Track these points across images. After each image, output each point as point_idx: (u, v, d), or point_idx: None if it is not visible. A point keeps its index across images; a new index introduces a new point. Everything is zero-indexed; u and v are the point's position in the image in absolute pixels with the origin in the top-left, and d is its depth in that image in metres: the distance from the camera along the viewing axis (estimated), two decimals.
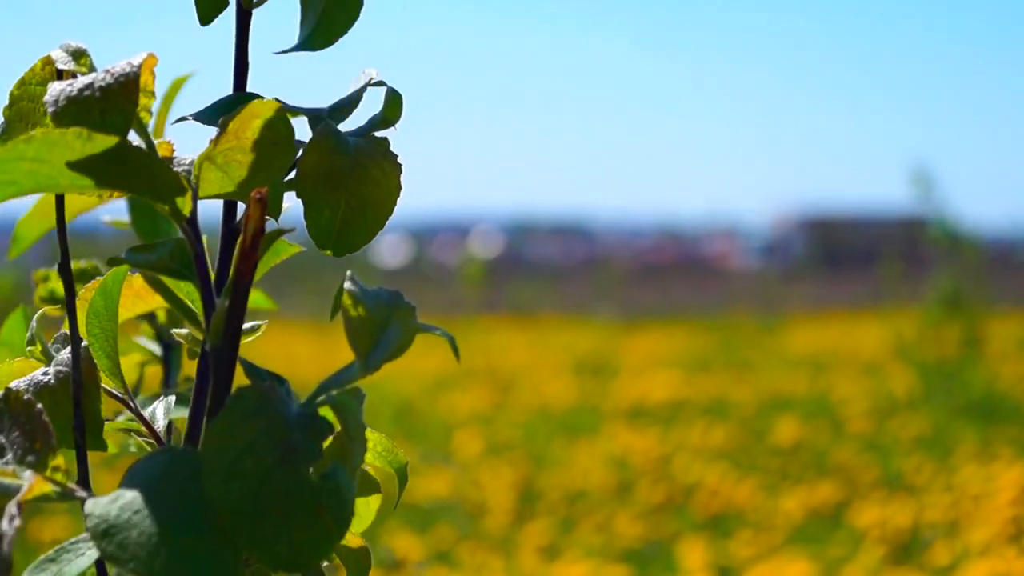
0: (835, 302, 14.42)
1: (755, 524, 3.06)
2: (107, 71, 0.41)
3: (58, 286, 0.69)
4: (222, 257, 0.46)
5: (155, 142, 0.42)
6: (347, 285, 0.45)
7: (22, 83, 0.42)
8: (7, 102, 0.43)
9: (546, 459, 4.07)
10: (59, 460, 0.48)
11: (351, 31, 0.51)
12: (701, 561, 2.61)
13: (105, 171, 0.39)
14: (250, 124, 0.40)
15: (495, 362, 7.10)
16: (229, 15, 0.50)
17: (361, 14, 0.51)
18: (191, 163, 0.42)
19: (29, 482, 0.47)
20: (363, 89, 0.46)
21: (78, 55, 0.41)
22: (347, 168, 0.42)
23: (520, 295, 13.49)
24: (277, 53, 0.50)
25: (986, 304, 5.94)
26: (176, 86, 0.69)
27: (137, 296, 0.50)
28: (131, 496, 0.45)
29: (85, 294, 0.50)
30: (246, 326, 0.48)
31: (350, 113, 0.46)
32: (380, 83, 0.48)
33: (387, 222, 0.44)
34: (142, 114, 0.42)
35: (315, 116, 0.44)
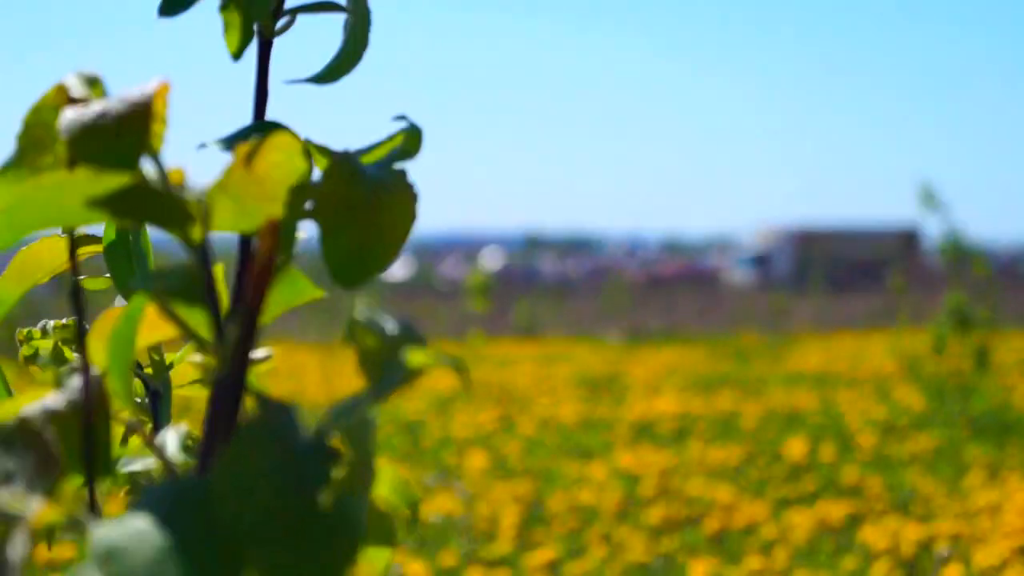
0: (838, 318, 14.38)
1: (764, 541, 3.04)
2: (120, 99, 0.41)
3: (43, 344, 0.69)
4: (236, 285, 0.46)
5: (167, 170, 0.42)
6: (358, 314, 0.45)
7: (36, 110, 0.42)
8: (21, 129, 0.43)
9: (553, 476, 4.06)
10: (68, 487, 0.48)
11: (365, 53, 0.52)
12: None
13: (116, 204, 0.39)
14: (267, 156, 0.40)
15: (503, 379, 7.09)
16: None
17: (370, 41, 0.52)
18: (203, 191, 0.42)
19: (37, 509, 0.47)
20: (389, 139, 0.47)
21: (92, 82, 0.42)
22: (364, 198, 0.42)
23: (527, 311, 13.48)
24: (292, 82, 0.50)
25: (995, 320, 5.93)
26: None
27: (150, 325, 0.50)
28: (137, 522, 0.45)
29: (102, 323, 0.50)
30: (256, 355, 0.48)
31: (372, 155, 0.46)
32: (402, 117, 0.48)
33: (401, 251, 0.44)
34: (154, 141, 0.42)
35: (335, 152, 0.44)
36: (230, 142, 0.44)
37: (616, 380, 7.21)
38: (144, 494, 0.47)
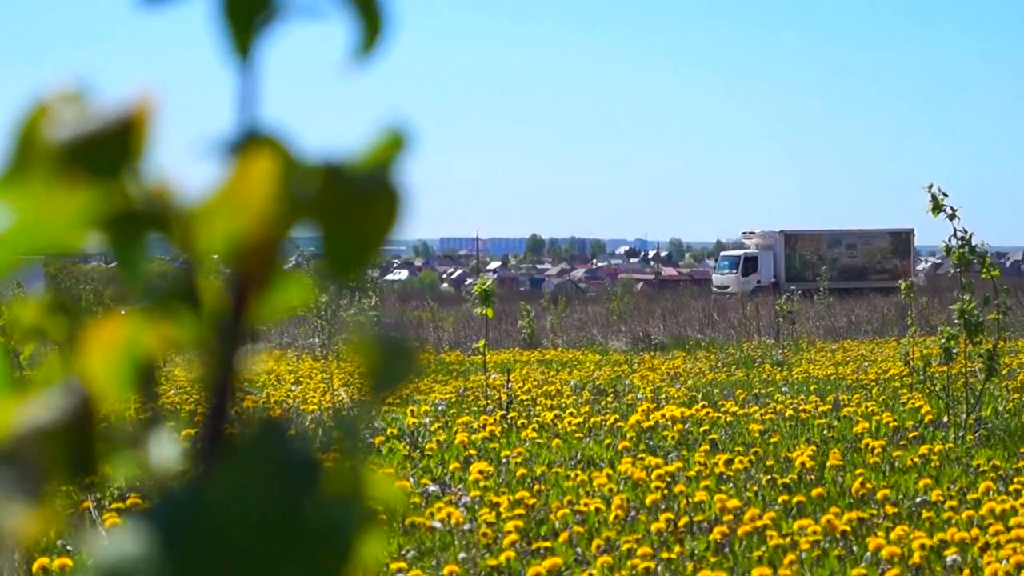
0: (843, 323, 14.32)
1: (772, 547, 3.03)
2: (105, 112, 0.40)
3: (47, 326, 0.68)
4: (225, 294, 0.46)
5: (150, 182, 0.42)
6: (355, 325, 0.45)
7: (20, 127, 0.42)
8: (6, 148, 0.43)
9: (556, 484, 4.05)
10: (59, 500, 0.48)
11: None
12: None
13: (101, 224, 0.39)
14: (253, 164, 0.40)
15: (505, 387, 7.08)
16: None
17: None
18: (190, 203, 0.42)
19: (27, 523, 0.46)
20: (377, 140, 0.47)
21: (75, 98, 0.41)
22: (347, 200, 0.42)
23: (532, 318, 13.45)
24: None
25: (1004, 328, 5.90)
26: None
27: (140, 334, 0.50)
28: (131, 536, 0.44)
29: (96, 332, 0.50)
30: (246, 365, 0.48)
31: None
32: (389, 117, 0.48)
33: (381, 250, 0.44)
34: (139, 155, 0.41)
35: (318, 155, 0.44)
36: (217, 152, 0.44)
37: (621, 385, 7.19)
38: (138, 509, 0.47)
